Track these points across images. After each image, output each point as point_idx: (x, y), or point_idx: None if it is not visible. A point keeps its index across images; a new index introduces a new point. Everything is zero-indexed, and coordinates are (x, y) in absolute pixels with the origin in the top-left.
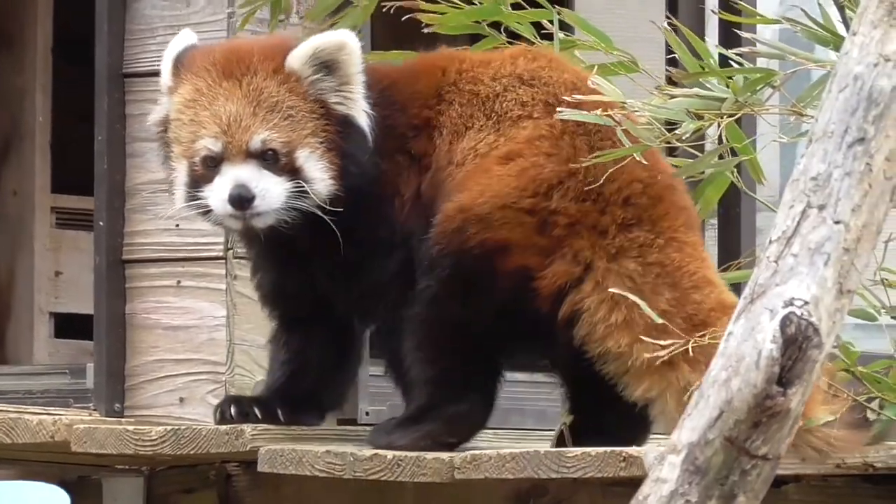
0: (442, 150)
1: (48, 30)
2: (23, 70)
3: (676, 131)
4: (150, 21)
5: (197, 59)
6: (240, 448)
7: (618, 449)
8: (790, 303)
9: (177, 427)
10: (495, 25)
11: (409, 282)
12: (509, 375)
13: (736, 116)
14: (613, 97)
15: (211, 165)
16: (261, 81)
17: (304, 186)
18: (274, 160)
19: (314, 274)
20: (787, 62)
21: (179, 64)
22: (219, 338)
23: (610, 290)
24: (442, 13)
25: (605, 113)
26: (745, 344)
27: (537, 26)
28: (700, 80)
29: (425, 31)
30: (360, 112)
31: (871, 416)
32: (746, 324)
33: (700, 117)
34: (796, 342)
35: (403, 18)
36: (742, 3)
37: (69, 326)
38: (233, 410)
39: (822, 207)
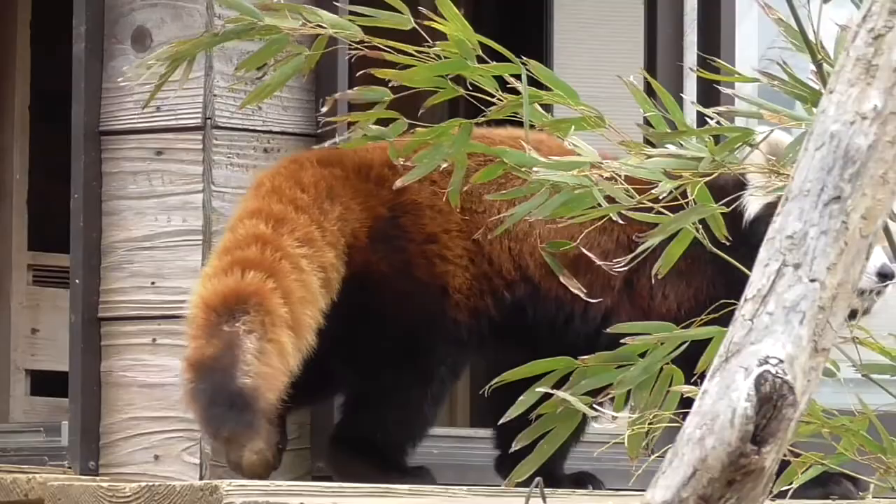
0: None
1: (26, 88)
2: (2, 129)
3: (653, 191)
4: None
5: None
6: None
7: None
8: (765, 361)
9: (151, 483)
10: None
11: None
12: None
13: (713, 176)
14: (589, 157)
15: None
16: None
17: None
18: None
19: None
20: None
21: None
22: None
23: None
24: (406, 66)
25: (582, 173)
26: (720, 402)
27: (501, 81)
28: (677, 139)
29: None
30: None
31: None
32: (721, 382)
33: (678, 177)
34: (771, 401)
35: (358, 74)
36: (720, 61)
37: (46, 384)
38: None
39: (797, 266)
